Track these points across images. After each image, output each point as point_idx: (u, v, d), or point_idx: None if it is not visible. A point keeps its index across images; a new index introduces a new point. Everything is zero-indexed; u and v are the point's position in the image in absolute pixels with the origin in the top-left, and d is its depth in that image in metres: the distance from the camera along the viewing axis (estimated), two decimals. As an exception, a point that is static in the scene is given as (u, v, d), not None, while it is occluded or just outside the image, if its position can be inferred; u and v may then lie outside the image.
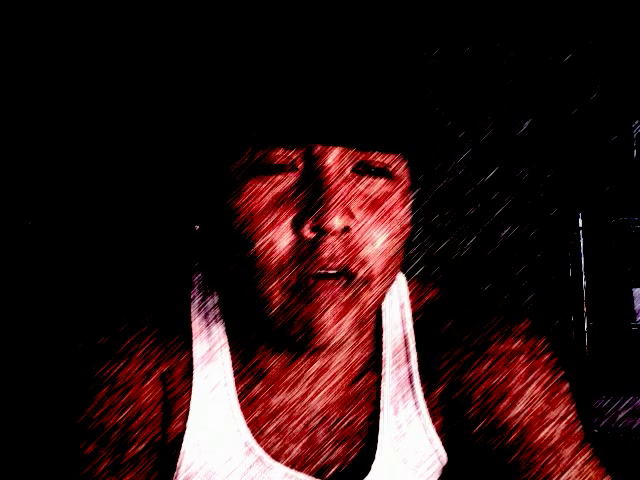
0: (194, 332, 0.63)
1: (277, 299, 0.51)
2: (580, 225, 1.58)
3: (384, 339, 0.65)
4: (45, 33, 1.41)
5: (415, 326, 0.65)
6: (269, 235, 0.50)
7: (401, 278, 0.68)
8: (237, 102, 0.53)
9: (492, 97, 1.59)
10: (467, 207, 1.59)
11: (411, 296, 0.67)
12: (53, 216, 1.41)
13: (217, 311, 0.63)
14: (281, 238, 0.50)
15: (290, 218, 0.50)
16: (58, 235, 1.40)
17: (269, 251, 0.50)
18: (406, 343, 0.65)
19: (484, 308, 0.66)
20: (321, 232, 0.49)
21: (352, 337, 0.57)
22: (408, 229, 0.56)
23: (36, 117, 1.41)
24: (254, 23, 0.57)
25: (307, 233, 0.49)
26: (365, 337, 0.65)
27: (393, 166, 0.53)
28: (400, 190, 0.54)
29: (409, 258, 1.55)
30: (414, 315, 0.66)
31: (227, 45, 0.56)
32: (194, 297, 0.64)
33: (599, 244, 1.58)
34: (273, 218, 0.50)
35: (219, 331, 0.63)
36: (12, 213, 1.40)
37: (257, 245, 0.50)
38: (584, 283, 1.57)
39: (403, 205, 0.54)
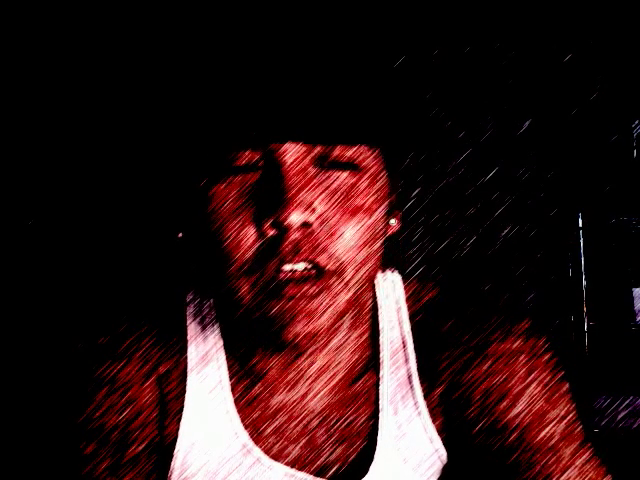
0: (190, 335, 0.63)
1: (248, 297, 0.52)
2: (580, 225, 1.58)
3: (381, 341, 0.65)
4: (44, 33, 1.41)
5: (415, 326, 0.65)
6: (235, 235, 0.51)
7: (397, 279, 0.68)
8: (197, 103, 0.54)
9: (492, 97, 1.59)
10: (467, 207, 1.59)
11: (410, 297, 0.67)
12: (53, 216, 1.41)
13: (212, 314, 0.64)
14: (245, 237, 0.51)
15: (252, 217, 0.51)
16: (58, 235, 1.40)
17: (236, 251, 0.51)
18: (404, 344, 0.64)
19: (484, 308, 0.66)
20: (282, 228, 0.49)
21: (342, 328, 0.57)
22: (380, 219, 0.55)
23: (35, 118, 1.41)
24: (207, 20, 0.58)
25: (268, 230, 0.50)
26: (363, 339, 0.65)
27: (357, 157, 0.53)
28: (367, 181, 0.54)
29: (409, 258, 1.55)
30: (414, 315, 0.66)
31: (185, 52, 0.56)
32: (190, 300, 0.65)
33: (599, 244, 1.58)
34: (238, 218, 0.51)
35: (215, 333, 0.63)
36: (12, 213, 1.40)
37: (225, 245, 0.51)
38: (584, 283, 1.57)
39: (372, 195, 0.54)
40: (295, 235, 0.50)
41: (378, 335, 0.65)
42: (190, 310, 0.64)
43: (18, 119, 1.41)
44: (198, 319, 0.64)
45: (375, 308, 0.66)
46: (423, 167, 1.57)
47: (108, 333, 0.61)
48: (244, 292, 0.52)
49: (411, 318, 0.66)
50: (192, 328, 0.63)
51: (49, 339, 0.64)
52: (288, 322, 0.51)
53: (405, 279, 0.69)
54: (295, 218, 0.49)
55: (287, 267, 0.50)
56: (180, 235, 0.60)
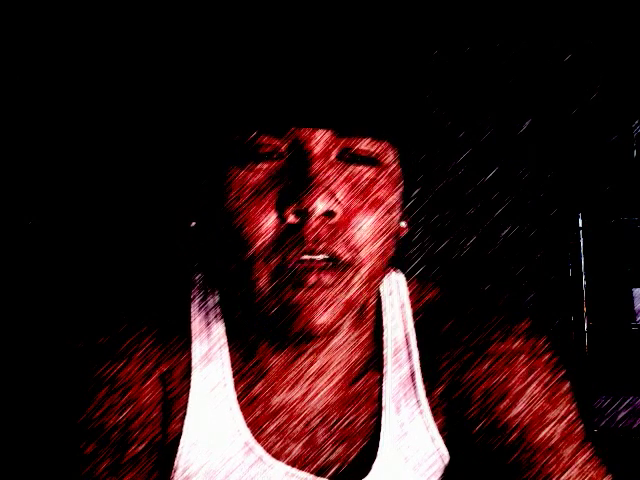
0: (194, 332, 0.63)
1: (264, 284, 0.52)
2: (580, 225, 1.58)
3: (385, 338, 0.65)
4: (44, 33, 1.41)
5: (415, 326, 0.65)
6: (256, 222, 0.51)
7: (401, 278, 0.68)
8: (222, 89, 0.54)
9: (492, 97, 1.59)
10: (467, 207, 1.59)
11: (411, 296, 0.67)
12: (53, 216, 1.41)
13: (217, 311, 0.64)
14: (267, 224, 0.51)
15: (274, 203, 0.51)
16: (58, 235, 1.40)
17: (255, 237, 0.51)
18: (407, 342, 0.65)
19: (484, 308, 0.66)
20: (305, 216, 0.49)
21: (345, 326, 0.57)
22: (396, 216, 0.56)
23: (36, 117, 1.41)
24: (234, 10, 0.58)
25: (290, 217, 0.50)
26: (365, 337, 0.65)
27: (380, 154, 0.54)
28: (387, 178, 0.55)
29: (409, 258, 1.55)
30: (414, 315, 0.66)
31: (210, 35, 0.56)
32: (194, 297, 0.64)
33: (599, 244, 1.58)
34: (260, 205, 0.51)
35: (219, 331, 0.63)
36: (12, 213, 1.40)
37: (245, 232, 0.51)
38: (584, 283, 1.57)
39: (390, 192, 0.55)
40: (316, 223, 0.50)
41: (381, 333, 0.65)
42: (194, 307, 0.64)
43: (19, 114, 1.41)
44: (202, 316, 0.63)
45: (378, 306, 0.66)
46: (423, 167, 1.57)
47: (108, 333, 0.61)
48: (261, 279, 0.52)
49: (413, 317, 0.66)
50: (196, 325, 0.63)
51: (49, 339, 0.64)
52: (302, 310, 0.51)
53: (405, 279, 0.69)
54: (319, 205, 0.49)
55: (306, 257, 0.50)
56: (193, 224, 0.60)
